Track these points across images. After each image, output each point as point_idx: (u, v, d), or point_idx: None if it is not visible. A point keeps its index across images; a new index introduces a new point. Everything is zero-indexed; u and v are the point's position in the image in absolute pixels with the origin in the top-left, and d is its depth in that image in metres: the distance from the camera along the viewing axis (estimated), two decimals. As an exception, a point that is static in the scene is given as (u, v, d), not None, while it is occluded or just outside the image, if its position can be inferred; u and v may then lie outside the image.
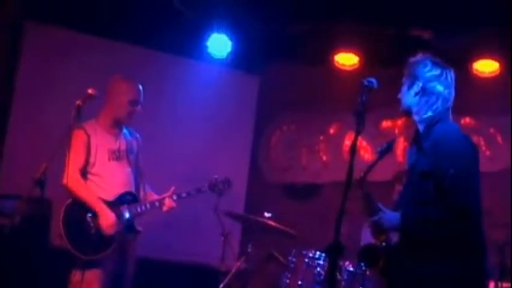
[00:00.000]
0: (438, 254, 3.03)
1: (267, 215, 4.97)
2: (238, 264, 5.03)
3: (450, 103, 3.26)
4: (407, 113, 3.30)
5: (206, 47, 6.09)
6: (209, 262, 5.64)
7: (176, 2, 5.75)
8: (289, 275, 4.79)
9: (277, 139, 6.86)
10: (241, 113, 6.56)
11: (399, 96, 3.32)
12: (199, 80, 6.26)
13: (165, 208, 4.55)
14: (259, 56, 6.48)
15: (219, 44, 6.07)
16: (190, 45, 6.17)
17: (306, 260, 4.75)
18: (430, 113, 3.23)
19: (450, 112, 3.28)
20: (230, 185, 4.73)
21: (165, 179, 5.52)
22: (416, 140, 3.29)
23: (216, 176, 4.71)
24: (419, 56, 3.32)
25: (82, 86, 4.11)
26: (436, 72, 3.24)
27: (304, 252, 4.79)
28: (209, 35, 6.04)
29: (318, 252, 4.73)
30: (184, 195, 4.59)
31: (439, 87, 3.22)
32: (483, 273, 3.14)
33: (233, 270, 4.99)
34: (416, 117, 3.28)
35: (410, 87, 3.25)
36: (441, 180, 3.01)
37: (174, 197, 4.56)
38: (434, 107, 3.22)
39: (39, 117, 5.65)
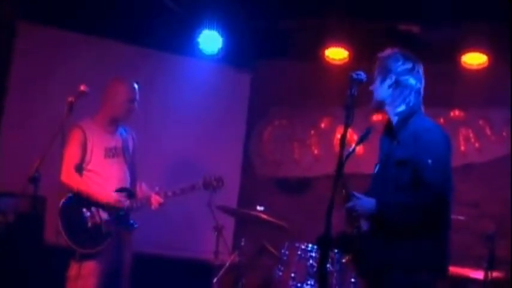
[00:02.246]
0: (409, 240, 3.16)
1: (259, 208, 5.02)
2: (232, 258, 5.08)
3: (421, 96, 3.39)
4: (380, 105, 3.40)
5: (197, 43, 6.12)
6: (203, 256, 5.68)
7: (166, -1, 5.77)
8: (282, 268, 4.84)
9: (269, 134, 6.90)
10: (233, 108, 6.59)
11: (371, 88, 3.40)
12: (191, 76, 6.29)
13: (153, 206, 4.62)
14: (250, 51, 6.50)
15: (210, 41, 6.10)
16: (181, 41, 6.19)
17: (299, 252, 4.81)
18: (403, 106, 3.36)
19: (422, 105, 3.40)
20: (223, 183, 4.83)
21: (158, 175, 5.59)
22: (391, 131, 3.39)
23: (209, 174, 4.80)
24: (389, 51, 3.43)
25: (74, 83, 4.17)
26: (408, 66, 3.36)
27: (296, 245, 4.85)
28: (200, 32, 6.06)
29: (310, 245, 4.79)
30: (178, 192, 4.68)
31: (412, 81, 3.35)
32: (447, 256, 3.27)
33: (227, 264, 5.03)
34: (389, 109, 3.39)
35: (383, 80, 3.36)
36: (419, 170, 3.15)
37: (169, 194, 4.64)
38: (408, 99, 3.35)
39: (32, 115, 5.68)
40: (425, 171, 3.13)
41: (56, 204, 4.43)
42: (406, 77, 3.34)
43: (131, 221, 4.63)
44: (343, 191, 3.26)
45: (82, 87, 4.08)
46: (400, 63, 3.35)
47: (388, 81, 3.35)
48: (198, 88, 6.26)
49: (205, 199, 4.91)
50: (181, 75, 6.29)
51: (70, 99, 3.99)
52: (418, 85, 3.37)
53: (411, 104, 3.35)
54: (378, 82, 3.39)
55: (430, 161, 3.14)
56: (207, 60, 6.31)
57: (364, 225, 3.25)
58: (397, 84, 3.33)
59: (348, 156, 3.25)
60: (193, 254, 6.11)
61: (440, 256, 3.24)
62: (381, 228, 3.20)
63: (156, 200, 4.61)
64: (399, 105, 3.36)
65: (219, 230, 5.03)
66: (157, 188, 4.65)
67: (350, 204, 3.24)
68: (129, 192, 4.65)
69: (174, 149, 6.20)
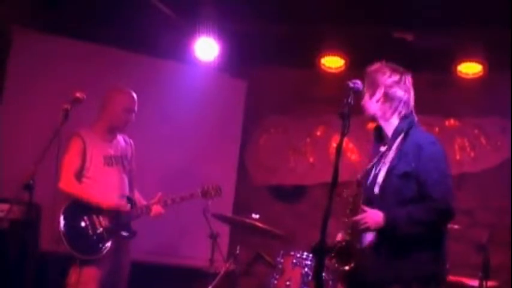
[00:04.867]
0: (411, 252, 3.18)
1: (254, 216, 5.01)
2: (227, 265, 5.06)
3: (412, 106, 3.42)
4: (373, 119, 3.44)
5: (193, 50, 6.13)
6: (198, 264, 5.66)
7: (157, 2, 5.72)
8: (277, 276, 4.84)
9: (265, 141, 6.90)
10: (228, 115, 6.59)
11: (362, 104, 3.41)
12: (187, 83, 6.27)
13: (152, 214, 4.67)
14: (247, 59, 6.51)
15: (207, 48, 6.10)
16: (177, 48, 6.19)
17: (294, 260, 4.81)
18: (396, 118, 3.38)
19: (415, 114, 3.43)
20: (221, 192, 4.89)
21: (154, 182, 5.57)
22: (381, 139, 3.43)
23: (208, 183, 4.85)
24: (377, 65, 3.46)
25: (69, 90, 4.14)
26: (396, 78, 3.39)
27: (291, 252, 4.85)
28: (196, 39, 6.06)
29: (305, 253, 4.79)
30: (178, 200, 4.72)
31: (400, 92, 3.38)
32: (445, 267, 3.33)
33: (222, 272, 5.01)
34: (382, 121, 3.42)
35: (372, 95, 3.39)
36: (424, 183, 3.20)
37: (169, 202, 4.69)
38: (398, 111, 3.38)
39: (27, 121, 5.65)
40: (432, 184, 3.18)
41: (54, 212, 4.40)
42: (394, 89, 3.36)
43: (132, 228, 4.62)
44: (352, 202, 3.25)
45: (78, 94, 4.06)
46: (387, 75, 3.38)
47: (377, 95, 3.38)
48: (194, 95, 6.24)
49: (201, 207, 4.91)
50: (177, 82, 6.27)
51: (65, 106, 3.97)
52: (407, 96, 3.39)
53: (402, 114, 3.37)
54: (367, 96, 3.42)
55: (436, 174, 3.19)
56: (203, 68, 6.31)
57: (368, 237, 3.23)
58: (385, 97, 3.36)
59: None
60: (189, 261, 6.09)
61: (440, 267, 3.26)
62: (385, 240, 3.21)
63: (157, 209, 4.66)
64: (390, 117, 3.38)
65: (214, 237, 5.02)
66: (160, 193, 4.66)
67: (359, 217, 3.23)
68: (129, 199, 4.66)
69: (169, 156, 6.18)
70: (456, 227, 4.49)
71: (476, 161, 6.13)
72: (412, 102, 3.42)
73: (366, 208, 3.26)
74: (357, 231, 3.24)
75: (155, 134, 6.11)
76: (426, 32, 5.69)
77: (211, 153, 6.34)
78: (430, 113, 6.02)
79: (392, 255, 3.19)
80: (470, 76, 5.92)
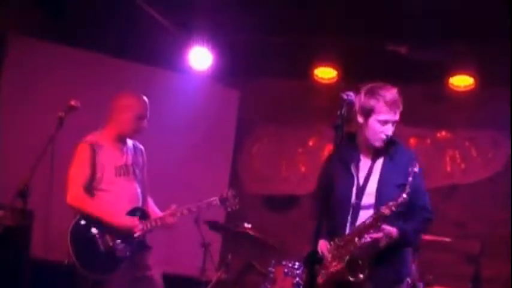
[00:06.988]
0: (401, 255, 3.45)
1: (247, 225, 5.03)
2: (219, 274, 5.08)
3: None
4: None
5: (187, 59, 6.16)
6: (189, 272, 5.67)
7: (145, 5, 5.71)
8: (268, 285, 4.87)
9: (258, 151, 6.92)
10: (222, 125, 6.60)
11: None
12: (180, 92, 6.29)
13: (167, 225, 4.35)
14: (240, 69, 6.55)
15: (200, 57, 6.14)
16: (171, 57, 6.22)
17: (285, 270, 4.83)
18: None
19: None
20: (239, 200, 4.62)
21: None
22: (354, 147, 3.54)
23: (225, 190, 4.62)
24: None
25: (64, 97, 4.14)
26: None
27: (283, 262, 4.87)
28: (190, 48, 6.10)
29: (297, 263, 4.81)
30: (194, 209, 4.42)
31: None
32: None
33: (213, 281, 5.03)
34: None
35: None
36: (416, 194, 3.36)
37: (185, 212, 4.34)
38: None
39: (22, 129, 5.64)
40: (424, 196, 3.43)
41: (47, 218, 4.35)
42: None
43: (147, 243, 4.35)
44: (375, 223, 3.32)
45: (72, 102, 3.98)
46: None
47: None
48: (187, 104, 6.25)
49: (193, 215, 4.91)
50: (170, 91, 6.28)
51: (60, 114, 3.91)
52: None
53: None
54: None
55: (423, 187, 3.44)
56: (196, 77, 6.33)
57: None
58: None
59: None
60: (180, 269, 6.09)
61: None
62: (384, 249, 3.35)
63: (170, 220, 4.31)
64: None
65: (206, 246, 5.03)
66: (174, 206, 4.33)
67: (379, 234, 3.32)
68: (142, 212, 4.31)
69: (162, 165, 6.17)
70: (448, 240, 4.56)
71: (467, 173, 6.17)
72: None
73: (384, 226, 3.33)
74: (377, 248, 3.33)
75: (147, 142, 6.08)
76: (419, 45, 5.75)
77: (204, 162, 6.35)
78: (422, 124, 6.08)
79: (391, 260, 3.38)
80: (462, 89, 5.98)
